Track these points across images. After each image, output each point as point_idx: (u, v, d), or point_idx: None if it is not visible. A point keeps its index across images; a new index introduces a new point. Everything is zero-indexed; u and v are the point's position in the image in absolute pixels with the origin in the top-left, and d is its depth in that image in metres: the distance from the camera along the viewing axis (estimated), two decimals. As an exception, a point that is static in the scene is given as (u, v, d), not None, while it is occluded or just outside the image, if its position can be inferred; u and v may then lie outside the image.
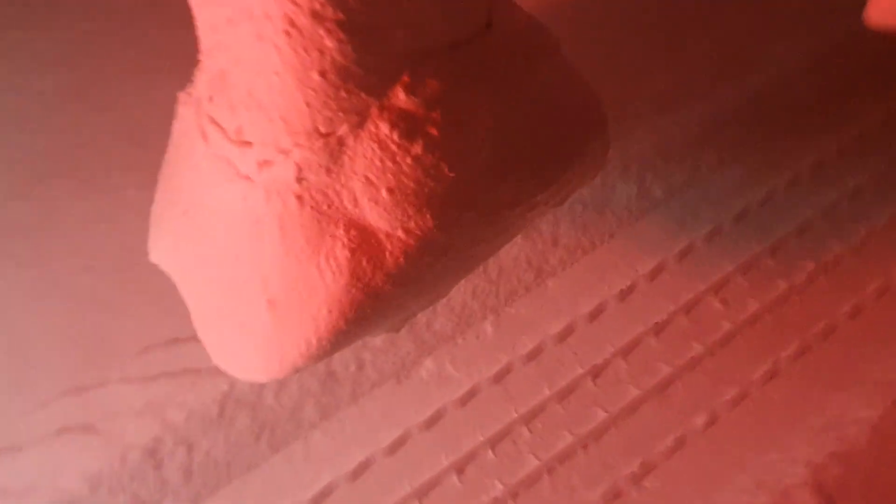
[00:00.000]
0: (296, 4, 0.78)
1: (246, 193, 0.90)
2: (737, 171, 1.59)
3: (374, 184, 0.88)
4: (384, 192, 0.88)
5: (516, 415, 1.37)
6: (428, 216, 0.91)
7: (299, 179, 0.88)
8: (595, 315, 1.45)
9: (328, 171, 0.88)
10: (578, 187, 1.08)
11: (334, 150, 0.87)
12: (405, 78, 0.87)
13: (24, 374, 1.35)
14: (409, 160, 0.88)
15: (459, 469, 1.32)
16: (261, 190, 0.89)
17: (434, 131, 0.89)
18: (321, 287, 0.91)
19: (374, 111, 0.87)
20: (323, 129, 0.86)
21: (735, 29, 1.67)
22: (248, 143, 0.90)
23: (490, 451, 1.34)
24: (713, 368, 1.40)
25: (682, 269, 1.50)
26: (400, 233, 0.91)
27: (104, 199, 1.56)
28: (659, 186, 1.56)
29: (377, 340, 1.40)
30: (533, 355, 1.42)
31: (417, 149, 0.88)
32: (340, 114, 0.86)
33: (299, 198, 0.88)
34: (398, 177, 0.88)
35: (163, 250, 1.04)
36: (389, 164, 0.88)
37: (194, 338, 1.09)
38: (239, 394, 1.32)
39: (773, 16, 1.69)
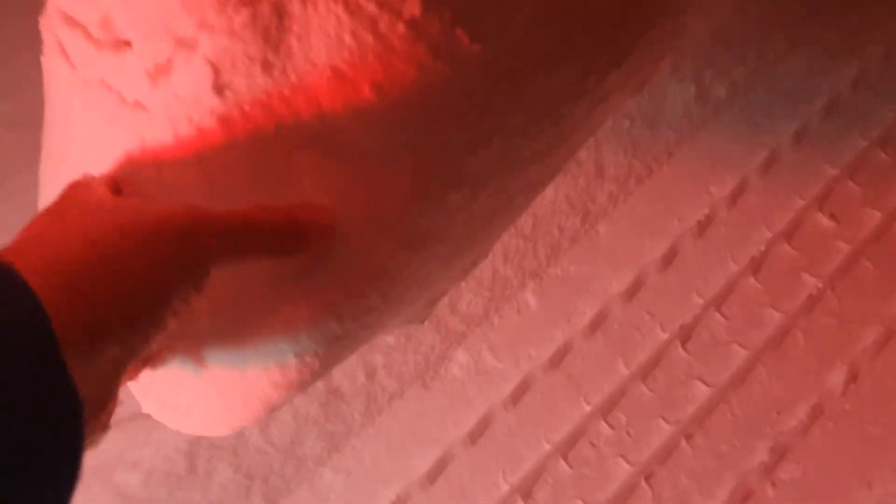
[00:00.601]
0: None
1: (139, 131, 0.54)
2: (815, 52, 1.23)
3: (347, 75, 0.52)
4: (367, 90, 0.52)
5: (588, 407, 1.01)
6: (447, 129, 0.55)
7: (218, 88, 0.51)
8: (668, 260, 1.10)
9: (264, 65, 0.51)
10: (657, 63, 0.72)
11: (269, 26, 0.51)
12: None
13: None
14: (401, 28, 0.52)
15: (525, 493, 0.97)
16: (160, 121, 0.53)
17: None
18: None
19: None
20: (242, -10, 0.50)
21: None
22: (125, 44, 0.53)
23: (562, 462, 0.99)
24: (839, 306, 1.04)
25: (770, 184, 1.14)
26: (405, 159, 0.56)
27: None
28: (721, 83, 1.20)
29: (388, 338, 1.04)
30: (596, 324, 1.07)
31: (413, 7, 0.52)
32: (267, -41, 0.50)
33: (224, 121, 0.52)
34: (386, 61, 0.52)
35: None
36: (369, 37, 0.52)
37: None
38: (212, 437, 0.96)
39: None
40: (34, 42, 0.63)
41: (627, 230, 1.13)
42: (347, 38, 0.51)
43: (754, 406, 0.99)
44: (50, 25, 0.60)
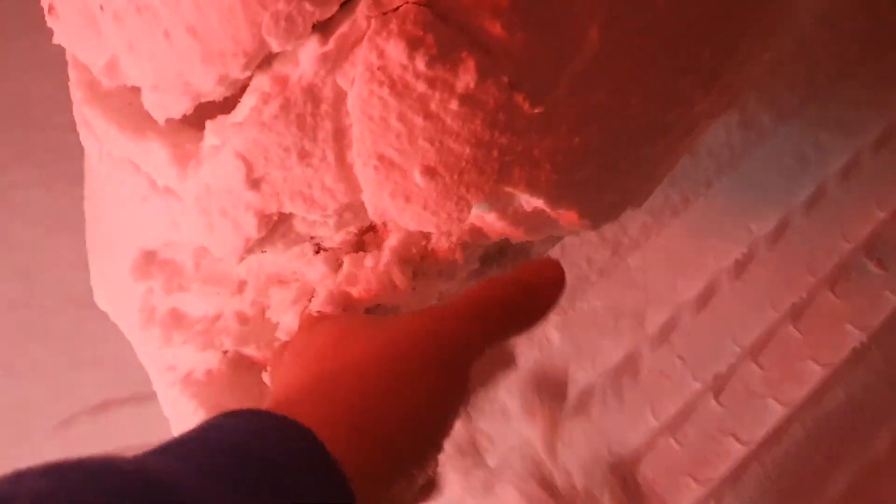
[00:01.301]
0: None
1: (173, 217, 0.46)
2: (870, 79, 1.15)
3: (394, 163, 0.44)
4: (417, 177, 0.45)
5: (611, 460, 0.95)
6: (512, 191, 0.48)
7: (253, 183, 0.44)
8: (703, 302, 1.03)
9: (301, 155, 0.44)
10: (749, 81, 0.64)
11: (304, 113, 0.43)
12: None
13: None
14: (454, 105, 0.44)
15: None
16: (194, 211, 0.45)
17: (489, 38, 0.45)
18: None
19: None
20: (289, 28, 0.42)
21: None
22: (136, 90, 0.46)
23: (582, 520, 0.93)
24: (883, 363, 0.98)
25: (815, 223, 1.07)
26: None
27: None
28: (766, 111, 1.12)
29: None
30: (622, 369, 1.00)
31: (467, 81, 0.44)
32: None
33: (260, 215, 0.44)
34: (439, 142, 0.44)
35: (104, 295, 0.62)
36: (419, 120, 0.44)
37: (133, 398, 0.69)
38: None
39: None
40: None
41: (659, 266, 1.05)
42: (394, 122, 0.43)
43: (791, 469, 0.93)
44: (76, 97, 0.52)
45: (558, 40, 0.46)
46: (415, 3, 0.41)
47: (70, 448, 0.93)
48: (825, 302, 1.01)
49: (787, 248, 1.05)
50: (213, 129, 0.43)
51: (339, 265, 0.48)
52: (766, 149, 1.11)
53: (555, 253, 1.04)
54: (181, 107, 0.46)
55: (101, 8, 0.45)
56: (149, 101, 0.46)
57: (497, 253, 0.61)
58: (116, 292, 0.59)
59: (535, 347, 1.02)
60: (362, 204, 0.44)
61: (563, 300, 1.03)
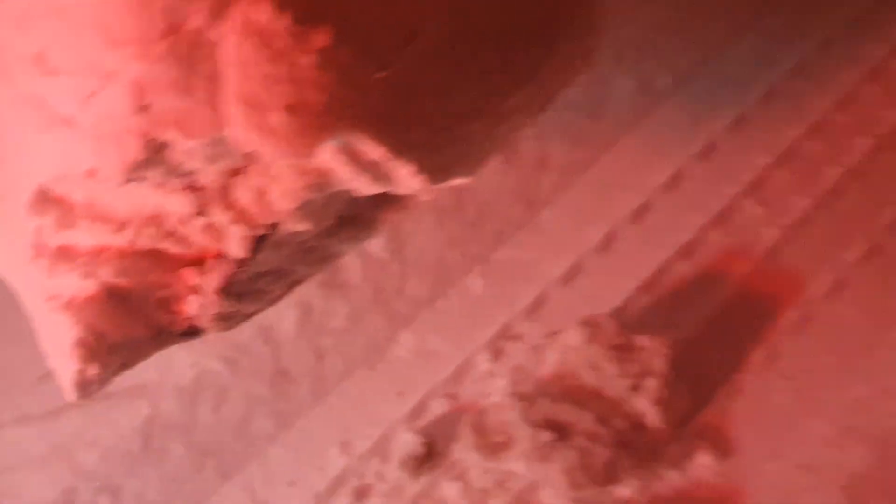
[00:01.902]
0: None
1: (66, 146, 0.58)
2: (754, 42, 1.28)
3: (259, 102, 0.56)
4: (278, 114, 0.57)
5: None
6: (354, 139, 0.60)
7: (140, 109, 0.56)
8: (606, 245, 1.15)
9: (182, 88, 0.56)
10: (564, 87, 0.76)
11: (187, 54, 0.55)
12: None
13: None
14: (310, 58, 0.56)
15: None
16: (88, 136, 0.57)
17: (347, 9, 0.57)
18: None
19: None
20: (162, 24, 0.54)
21: None
22: (55, 72, 0.58)
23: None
24: (769, 289, 1.10)
25: (706, 172, 1.19)
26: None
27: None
28: (663, 74, 1.25)
29: (337, 319, 1.10)
30: (535, 307, 1.12)
31: (324, 37, 0.56)
32: (185, -6, 0.54)
33: (145, 137, 0.56)
34: (298, 86, 0.57)
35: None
36: (281, 66, 0.56)
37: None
38: (165, 416, 1.02)
39: None
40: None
41: (570, 217, 1.18)
42: (263, 67, 0.55)
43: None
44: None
45: (401, 27, 0.59)
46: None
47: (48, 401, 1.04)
48: (714, 240, 1.13)
49: (683, 197, 1.18)
50: (112, 60, 0.55)
51: (204, 210, 0.59)
52: (664, 109, 1.24)
53: (472, 211, 1.17)
54: (93, 84, 0.57)
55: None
56: (69, 80, 0.58)
57: (350, 217, 0.71)
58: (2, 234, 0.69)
59: (458, 294, 1.14)
60: (230, 140, 0.56)
61: (484, 251, 1.16)
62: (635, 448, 0.95)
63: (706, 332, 1.05)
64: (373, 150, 0.60)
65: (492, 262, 1.15)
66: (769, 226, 1.14)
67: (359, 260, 1.11)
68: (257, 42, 0.54)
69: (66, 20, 0.54)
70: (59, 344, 0.65)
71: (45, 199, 0.61)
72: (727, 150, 1.20)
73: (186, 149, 0.56)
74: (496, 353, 1.07)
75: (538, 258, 1.15)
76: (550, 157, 1.19)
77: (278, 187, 0.60)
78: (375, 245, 1.11)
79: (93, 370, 0.66)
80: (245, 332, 1.01)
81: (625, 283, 1.11)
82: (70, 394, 0.67)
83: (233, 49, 0.54)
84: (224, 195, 0.61)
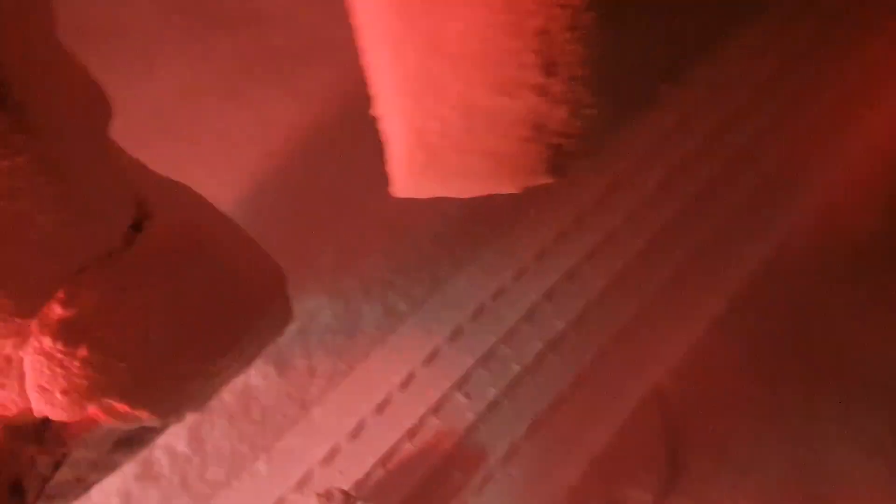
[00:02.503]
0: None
1: None
2: (471, 271, 1.79)
3: (47, 389, 1.00)
4: (58, 395, 1.00)
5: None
6: (109, 402, 1.03)
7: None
8: (356, 433, 1.59)
9: (2, 386, 0.99)
10: (267, 344, 1.22)
11: (3, 366, 0.99)
12: (61, 294, 1.00)
13: None
14: (76, 363, 1.00)
15: None
16: None
17: (98, 333, 1.02)
18: None
19: (33, 328, 0.99)
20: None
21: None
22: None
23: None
24: (460, 459, 1.54)
25: (430, 372, 1.66)
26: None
27: None
28: (403, 301, 1.73)
29: (151, 502, 1.48)
30: (303, 483, 1.53)
31: (83, 352, 1.00)
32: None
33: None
34: (69, 378, 1.00)
35: None
36: (58, 369, 1.00)
37: None
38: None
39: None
40: None
41: (333, 412, 1.61)
42: (45, 370, 0.98)
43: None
44: None
45: (131, 336, 1.05)
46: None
47: None
48: (430, 422, 1.58)
49: (412, 392, 1.63)
50: None
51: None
52: (404, 327, 1.72)
53: (255, 412, 1.59)
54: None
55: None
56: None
57: (124, 440, 1.13)
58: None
59: (246, 479, 1.54)
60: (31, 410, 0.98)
61: (267, 441, 1.57)
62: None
63: (417, 494, 1.48)
64: (120, 406, 1.02)
65: (273, 451, 1.57)
66: (469, 411, 1.60)
67: (167, 456, 1.51)
68: (43, 357, 0.98)
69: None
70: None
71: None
72: (446, 355, 1.68)
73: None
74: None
75: (308, 444, 1.58)
76: (318, 367, 1.64)
77: (68, 429, 1.02)
78: (180, 443, 1.52)
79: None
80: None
81: (367, 459, 1.54)
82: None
83: (30, 360, 0.98)
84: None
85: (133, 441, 1.13)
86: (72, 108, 1.01)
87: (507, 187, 0.90)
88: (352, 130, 1.83)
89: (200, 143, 1.87)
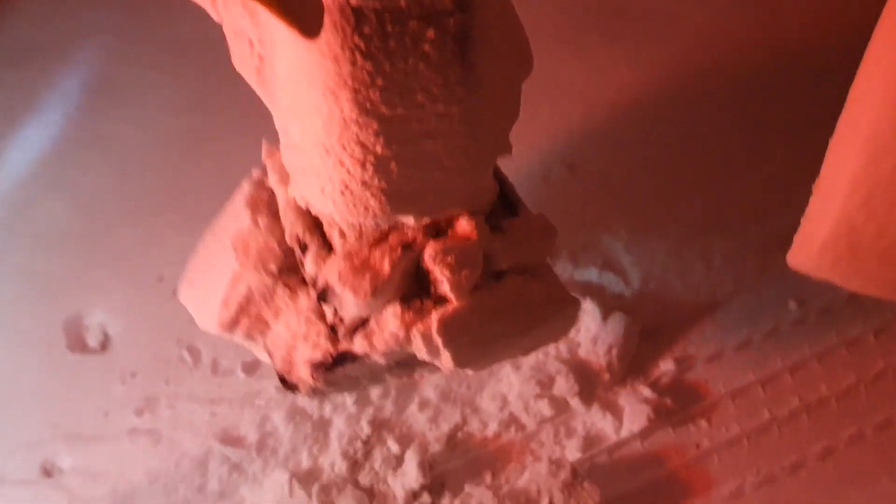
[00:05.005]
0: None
1: None
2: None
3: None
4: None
5: None
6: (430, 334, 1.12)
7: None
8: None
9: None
10: (556, 339, 1.31)
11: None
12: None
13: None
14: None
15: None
16: None
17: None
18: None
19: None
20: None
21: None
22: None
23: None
24: (688, 481, 1.56)
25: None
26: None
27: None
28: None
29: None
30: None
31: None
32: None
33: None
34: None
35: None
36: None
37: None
38: None
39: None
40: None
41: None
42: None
43: None
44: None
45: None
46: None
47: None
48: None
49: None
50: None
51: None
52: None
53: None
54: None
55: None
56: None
57: (404, 363, 1.17)
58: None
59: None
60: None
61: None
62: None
63: (629, 495, 1.52)
64: (435, 340, 1.11)
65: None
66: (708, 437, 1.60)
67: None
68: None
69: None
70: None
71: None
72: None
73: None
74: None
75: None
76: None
77: (379, 339, 1.13)
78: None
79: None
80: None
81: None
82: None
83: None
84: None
85: (408, 366, 1.22)
86: (506, 68, 1.07)
87: (906, 302, 0.87)
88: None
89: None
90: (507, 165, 1.30)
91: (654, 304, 1.73)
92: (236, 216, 1.25)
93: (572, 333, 1.67)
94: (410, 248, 1.09)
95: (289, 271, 1.19)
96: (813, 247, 0.86)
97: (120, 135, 2.03)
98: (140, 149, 2.00)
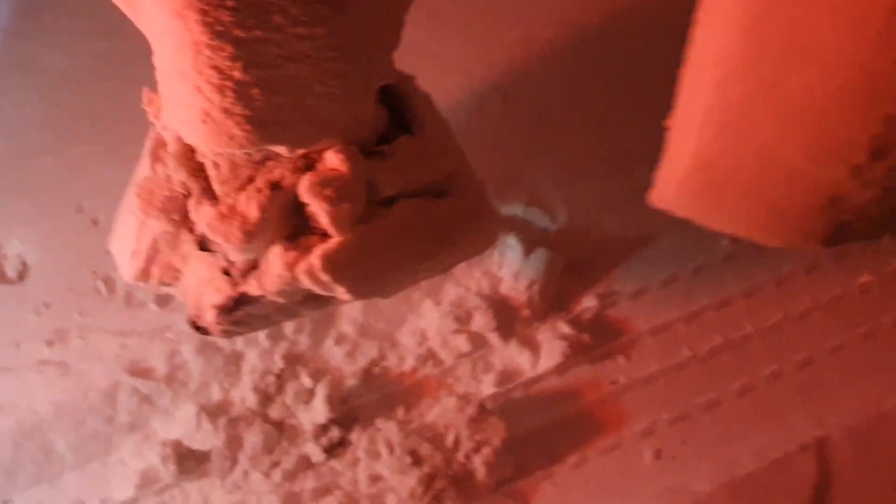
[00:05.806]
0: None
1: None
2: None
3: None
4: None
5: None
6: (315, 271, 1.09)
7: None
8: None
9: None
10: (468, 258, 1.26)
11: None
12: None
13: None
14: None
15: None
16: None
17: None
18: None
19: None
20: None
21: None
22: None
23: None
24: (602, 416, 1.56)
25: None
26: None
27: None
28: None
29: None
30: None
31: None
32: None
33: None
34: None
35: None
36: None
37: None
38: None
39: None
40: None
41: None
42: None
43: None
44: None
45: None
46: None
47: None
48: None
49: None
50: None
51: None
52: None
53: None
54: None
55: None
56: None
57: (311, 297, 1.19)
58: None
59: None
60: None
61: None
62: (463, 489, 1.43)
63: (541, 430, 1.51)
64: (324, 277, 1.09)
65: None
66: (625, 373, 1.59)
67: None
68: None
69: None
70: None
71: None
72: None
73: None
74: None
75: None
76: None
77: (269, 280, 1.11)
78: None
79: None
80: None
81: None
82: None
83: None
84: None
85: (319, 298, 1.20)
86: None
87: (770, 241, 0.84)
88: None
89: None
90: (439, 93, 1.26)
91: (580, 240, 1.70)
92: (143, 164, 1.22)
93: (494, 269, 1.64)
94: (279, 187, 1.05)
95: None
96: (671, 184, 0.82)
97: (44, 60, 1.96)
98: (64, 74, 1.93)
